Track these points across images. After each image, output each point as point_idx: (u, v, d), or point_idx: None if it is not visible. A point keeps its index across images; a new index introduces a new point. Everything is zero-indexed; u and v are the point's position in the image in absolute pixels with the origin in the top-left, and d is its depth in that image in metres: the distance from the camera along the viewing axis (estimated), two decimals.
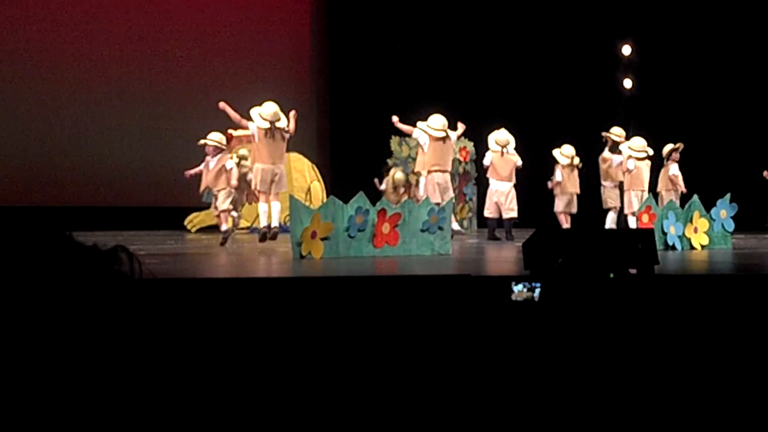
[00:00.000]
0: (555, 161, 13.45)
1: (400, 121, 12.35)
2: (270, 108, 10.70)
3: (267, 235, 10.55)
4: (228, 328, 4.23)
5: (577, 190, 13.49)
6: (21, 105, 16.36)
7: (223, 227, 11.22)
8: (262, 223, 10.69)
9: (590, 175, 13.79)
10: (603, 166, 13.40)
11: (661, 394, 2.52)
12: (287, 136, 10.79)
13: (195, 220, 15.69)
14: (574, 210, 13.49)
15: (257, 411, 2.75)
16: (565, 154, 13.38)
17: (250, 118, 10.76)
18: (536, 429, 2.35)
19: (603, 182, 13.43)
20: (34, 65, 16.48)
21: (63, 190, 16.34)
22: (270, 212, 10.71)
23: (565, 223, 13.31)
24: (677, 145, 13.07)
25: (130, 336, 0.96)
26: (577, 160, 13.49)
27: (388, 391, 2.98)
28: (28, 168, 16.20)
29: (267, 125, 10.59)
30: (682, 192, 12.62)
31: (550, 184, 13.52)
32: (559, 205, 13.45)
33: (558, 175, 13.37)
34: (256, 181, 10.84)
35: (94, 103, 16.91)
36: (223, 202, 11.30)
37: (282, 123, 10.69)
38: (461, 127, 12.61)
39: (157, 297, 1.02)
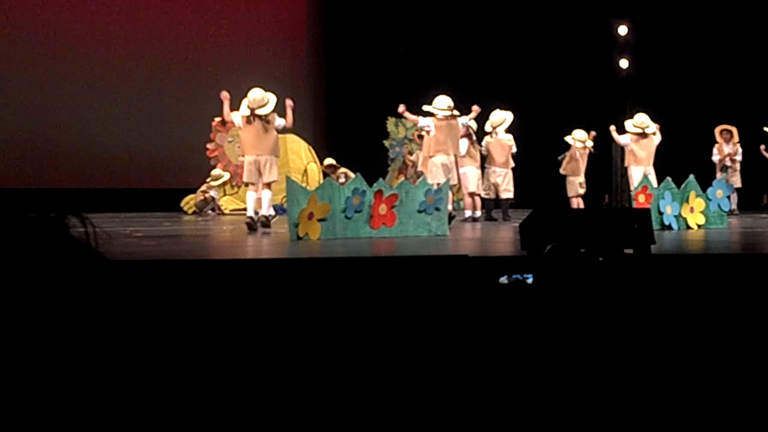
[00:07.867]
0: (569, 146, 13.31)
1: (407, 110, 12.10)
2: (253, 94, 10.21)
3: (253, 225, 9.98)
4: (225, 309, 4.23)
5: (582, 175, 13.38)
6: (19, 87, 16.30)
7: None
8: (249, 212, 10.22)
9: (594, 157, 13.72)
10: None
11: (658, 373, 2.54)
12: (279, 125, 10.29)
13: (191, 201, 15.70)
14: (583, 192, 13.33)
15: (253, 391, 2.77)
16: (577, 138, 13.28)
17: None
18: (534, 409, 2.37)
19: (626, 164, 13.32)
20: (33, 47, 16.41)
21: (59, 173, 16.32)
22: (260, 201, 10.32)
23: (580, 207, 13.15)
24: (726, 126, 14.67)
25: (122, 319, 0.91)
26: (590, 144, 13.35)
27: (385, 373, 2.99)
28: (25, 150, 16.16)
29: (247, 112, 10.15)
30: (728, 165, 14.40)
31: (563, 166, 13.34)
32: (571, 189, 13.31)
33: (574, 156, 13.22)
34: (244, 173, 10.50)
35: (90, 86, 16.86)
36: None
37: (266, 110, 10.18)
38: (475, 110, 12.41)
39: (155, 278, 1.00)
